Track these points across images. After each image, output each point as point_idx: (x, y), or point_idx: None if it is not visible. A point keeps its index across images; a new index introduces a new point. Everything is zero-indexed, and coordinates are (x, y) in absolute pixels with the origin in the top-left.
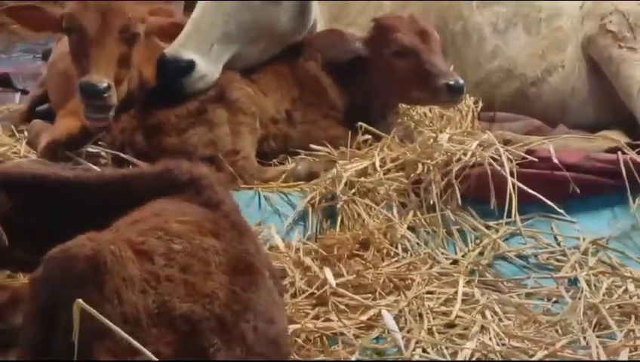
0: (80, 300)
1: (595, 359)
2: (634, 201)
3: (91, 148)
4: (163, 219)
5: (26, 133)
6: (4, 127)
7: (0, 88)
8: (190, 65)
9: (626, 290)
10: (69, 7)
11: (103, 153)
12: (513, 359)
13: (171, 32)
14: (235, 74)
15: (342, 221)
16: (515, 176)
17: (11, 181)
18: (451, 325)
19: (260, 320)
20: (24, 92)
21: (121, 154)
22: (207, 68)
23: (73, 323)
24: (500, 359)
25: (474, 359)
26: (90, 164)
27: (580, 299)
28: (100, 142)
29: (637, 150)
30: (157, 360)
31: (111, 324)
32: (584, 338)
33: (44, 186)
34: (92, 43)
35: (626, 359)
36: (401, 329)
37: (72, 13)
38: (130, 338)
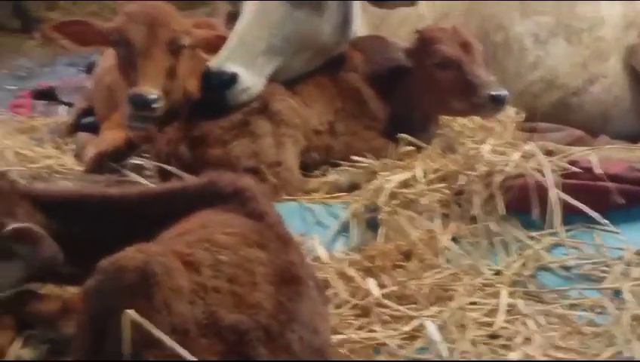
0: (130, 311)
1: None
2: None
3: (136, 160)
4: (209, 231)
5: (71, 146)
6: (50, 139)
7: (45, 101)
8: (233, 78)
9: None
10: (117, 21)
11: (147, 165)
12: None
13: (216, 45)
14: (278, 86)
15: (384, 232)
16: (559, 186)
17: (56, 201)
18: (495, 336)
19: (305, 330)
20: (69, 105)
21: (166, 167)
22: (251, 80)
23: (123, 333)
24: None
25: None
26: (136, 176)
27: (624, 310)
28: (144, 154)
29: None
30: None
31: (161, 334)
32: (629, 349)
33: (91, 204)
34: (140, 55)
35: None
36: (444, 339)
37: (120, 26)
38: (180, 348)
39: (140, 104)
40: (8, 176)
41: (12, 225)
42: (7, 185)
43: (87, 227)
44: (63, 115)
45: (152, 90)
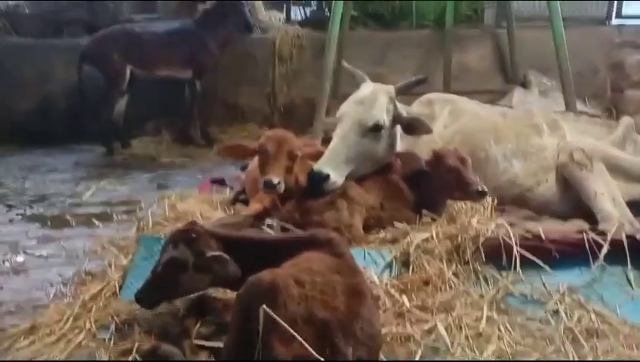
0: (264, 306)
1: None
2: (594, 263)
3: (269, 221)
4: (310, 263)
5: (231, 211)
6: (221, 207)
7: (218, 185)
8: (327, 176)
9: (590, 319)
10: (261, 140)
11: (275, 224)
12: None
13: (316, 156)
14: (351, 181)
15: (413, 268)
16: (518, 245)
17: (228, 239)
18: (479, 334)
19: (365, 324)
20: (231, 188)
21: (287, 225)
22: (336, 178)
23: (260, 321)
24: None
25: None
26: (269, 229)
27: (560, 323)
28: (274, 218)
29: (595, 232)
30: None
31: (281, 322)
32: (564, 348)
33: (248, 242)
34: (271, 158)
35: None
36: (448, 334)
37: (262, 142)
38: (292, 331)
39: (269, 185)
40: (200, 225)
41: (211, 253)
42: (203, 229)
43: (244, 256)
44: (228, 193)
45: (275, 178)
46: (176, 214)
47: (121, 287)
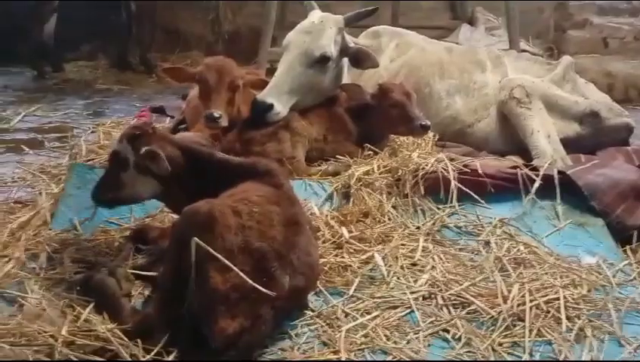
0: (196, 238)
1: (499, 287)
2: (525, 197)
3: None
4: (248, 194)
5: None
6: None
7: (158, 114)
8: (270, 106)
9: (518, 250)
10: (200, 68)
11: None
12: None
13: (260, 85)
14: (295, 113)
15: (353, 200)
16: (456, 179)
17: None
18: (414, 264)
19: (301, 253)
20: (171, 117)
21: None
22: (280, 108)
23: (191, 251)
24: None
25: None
26: None
27: (490, 253)
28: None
29: (529, 168)
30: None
31: (214, 252)
32: (492, 276)
33: (207, 158)
34: (212, 90)
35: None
36: (385, 265)
37: (202, 71)
38: (226, 261)
39: (210, 119)
40: (154, 126)
41: (145, 148)
42: (155, 131)
43: (200, 171)
44: (167, 122)
45: (217, 111)
46: (112, 142)
47: (52, 216)
